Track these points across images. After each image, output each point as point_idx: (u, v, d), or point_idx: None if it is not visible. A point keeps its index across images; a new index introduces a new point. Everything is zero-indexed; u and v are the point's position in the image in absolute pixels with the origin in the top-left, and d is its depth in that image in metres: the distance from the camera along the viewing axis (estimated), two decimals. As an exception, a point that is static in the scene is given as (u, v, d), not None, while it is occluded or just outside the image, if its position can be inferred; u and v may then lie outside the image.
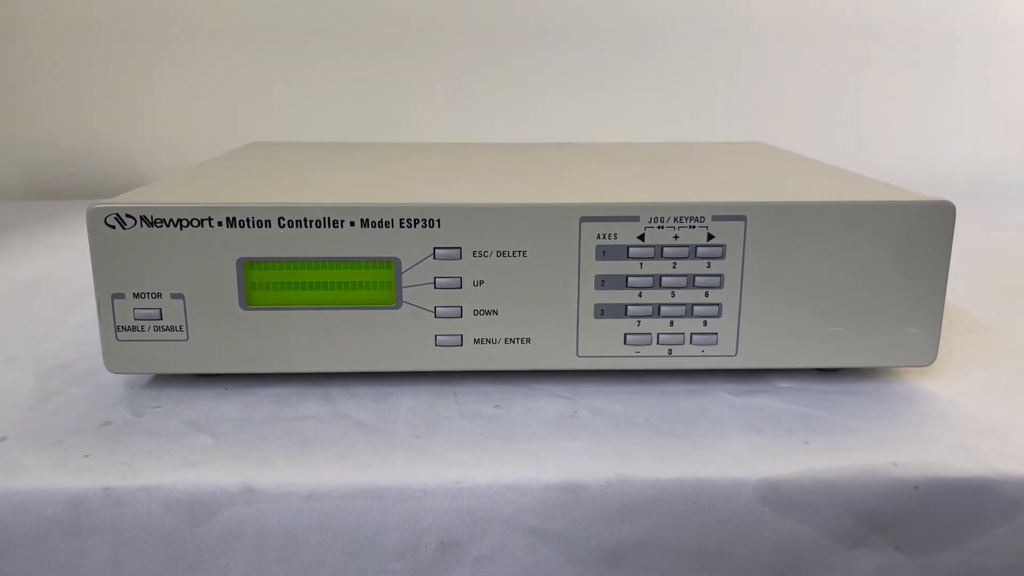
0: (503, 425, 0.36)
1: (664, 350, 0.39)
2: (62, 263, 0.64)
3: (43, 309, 0.52)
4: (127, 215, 0.36)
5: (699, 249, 0.38)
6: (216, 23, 0.93)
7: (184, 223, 0.36)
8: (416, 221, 0.37)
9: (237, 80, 0.95)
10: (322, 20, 0.93)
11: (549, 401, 0.38)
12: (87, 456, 0.33)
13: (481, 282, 0.38)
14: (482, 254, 0.37)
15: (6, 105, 0.95)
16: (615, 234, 0.37)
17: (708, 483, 0.32)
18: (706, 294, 0.38)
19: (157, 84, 0.95)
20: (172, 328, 0.38)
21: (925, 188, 0.43)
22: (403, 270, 0.37)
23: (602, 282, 0.38)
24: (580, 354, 0.39)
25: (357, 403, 0.38)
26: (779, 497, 0.32)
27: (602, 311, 0.38)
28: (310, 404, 0.38)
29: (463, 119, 0.97)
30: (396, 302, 0.38)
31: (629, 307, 0.38)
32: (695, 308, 0.38)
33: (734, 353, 0.39)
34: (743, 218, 0.37)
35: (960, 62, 0.97)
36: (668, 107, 0.97)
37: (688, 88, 0.97)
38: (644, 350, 0.39)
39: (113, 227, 0.36)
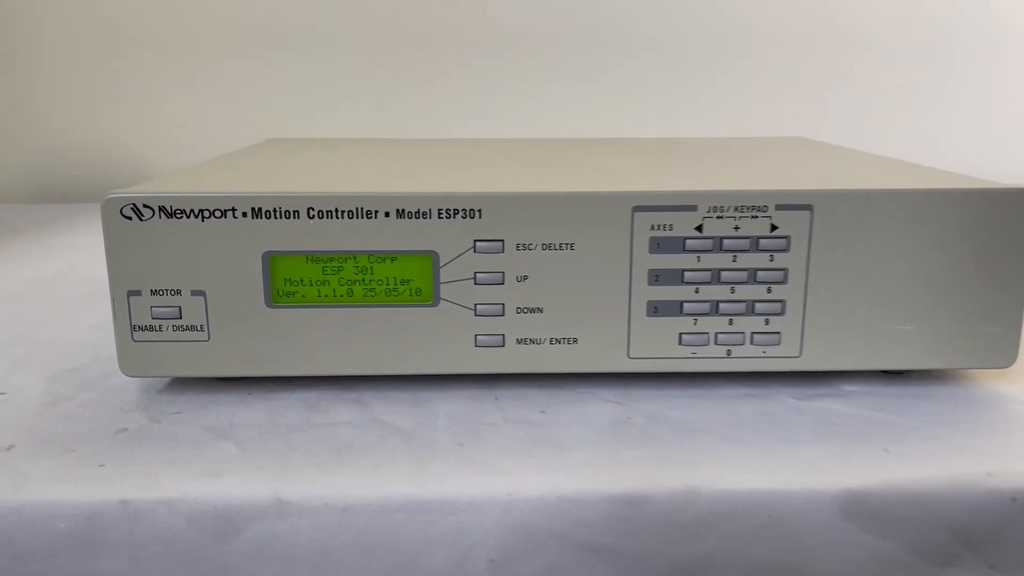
0: (552, 432, 0.33)
1: (722, 351, 0.36)
2: (69, 265, 0.61)
3: (51, 312, 0.50)
4: (144, 206, 0.34)
5: (761, 241, 0.35)
6: (224, 25, 0.91)
7: (206, 214, 0.34)
8: (455, 211, 0.34)
9: (247, 82, 0.93)
10: (326, 23, 0.91)
11: (599, 406, 0.36)
12: (102, 466, 0.31)
13: (525, 277, 0.35)
14: (526, 247, 0.35)
15: (12, 108, 0.93)
16: (670, 225, 0.35)
17: (784, 495, 0.29)
18: (768, 290, 0.35)
19: (164, 87, 0.93)
20: (192, 328, 0.35)
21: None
22: (441, 264, 0.35)
23: (656, 277, 0.35)
24: (631, 355, 0.36)
25: (391, 408, 0.35)
26: (862, 510, 0.29)
27: (655, 309, 0.35)
28: (341, 409, 0.35)
29: (479, 120, 0.94)
30: (433, 299, 0.35)
31: (685, 304, 0.35)
32: (756, 305, 0.35)
33: (798, 354, 0.36)
34: (809, 207, 0.34)
35: (1002, 59, 0.95)
36: (676, 107, 0.95)
37: (697, 89, 0.94)
38: (700, 351, 0.36)
39: (129, 219, 0.34)
